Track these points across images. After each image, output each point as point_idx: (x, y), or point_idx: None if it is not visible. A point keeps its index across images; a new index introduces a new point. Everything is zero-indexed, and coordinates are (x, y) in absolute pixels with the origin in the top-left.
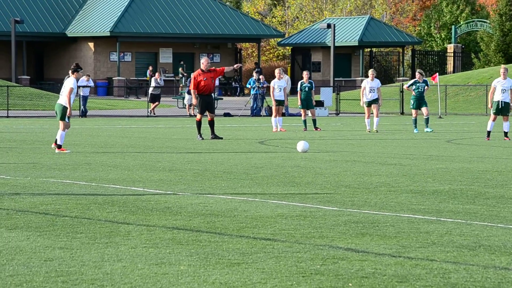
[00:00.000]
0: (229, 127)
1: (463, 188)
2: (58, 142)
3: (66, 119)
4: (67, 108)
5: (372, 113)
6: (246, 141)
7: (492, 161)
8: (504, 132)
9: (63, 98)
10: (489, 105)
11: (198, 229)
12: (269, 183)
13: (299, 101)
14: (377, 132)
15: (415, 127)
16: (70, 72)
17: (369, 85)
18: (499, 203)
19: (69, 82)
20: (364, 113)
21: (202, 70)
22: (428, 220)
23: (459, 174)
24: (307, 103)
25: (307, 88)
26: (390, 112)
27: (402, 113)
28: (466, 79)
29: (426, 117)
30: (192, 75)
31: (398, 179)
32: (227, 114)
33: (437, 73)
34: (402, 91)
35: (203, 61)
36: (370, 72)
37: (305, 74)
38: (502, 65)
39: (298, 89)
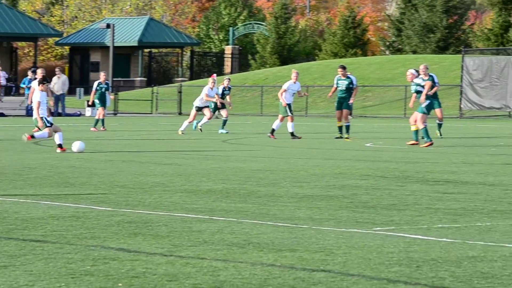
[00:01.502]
0: (3, 127)
1: (236, 187)
2: (57, 143)
3: (48, 123)
4: (41, 119)
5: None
6: (20, 141)
7: (265, 160)
8: (291, 132)
9: (34, 112)
10: (283, 103)
11: None
12: (42, 184)
13: (91, 100)
14: (201, 131)
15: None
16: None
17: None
18: (270, 201)
19: (36, 96)
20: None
21: None
22: (201, 219)
23: (233, 173)
24: (103, 103)
25: (103, 88)
26: (168, 113)
27: (180, 113)
28: (242, 80)
29: (225, 118)
30: None
31: (173, 178)
32: (1, 114)
33: (215, 74)
34: (180, 92)
35: None
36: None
37: (102, 74)
38: (293, 69)
39: (94, 88)
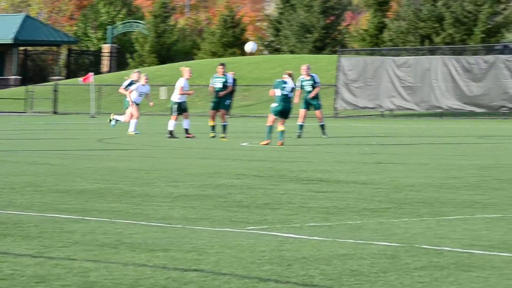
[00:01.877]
0: None
1: (110, 187)
2: None
3: None
4: None
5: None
6: None
7: (140, 160)
8: (185, 129)
9: None
10: (191, 93)
11: None
12: None
13: None
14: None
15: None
16: None
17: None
18: (144, 201)
19: None
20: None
21: None
22: (73, 219)
23: (108, 173)
24: None
25: None
26: (43, 112)
27: (56, 112)
28: (120, 79)
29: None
30: None
31: (46, 178)
32: None
33: (92, 73)
34: (56, 91)
35: None
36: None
37: None
38: (185, 67)
39: None
